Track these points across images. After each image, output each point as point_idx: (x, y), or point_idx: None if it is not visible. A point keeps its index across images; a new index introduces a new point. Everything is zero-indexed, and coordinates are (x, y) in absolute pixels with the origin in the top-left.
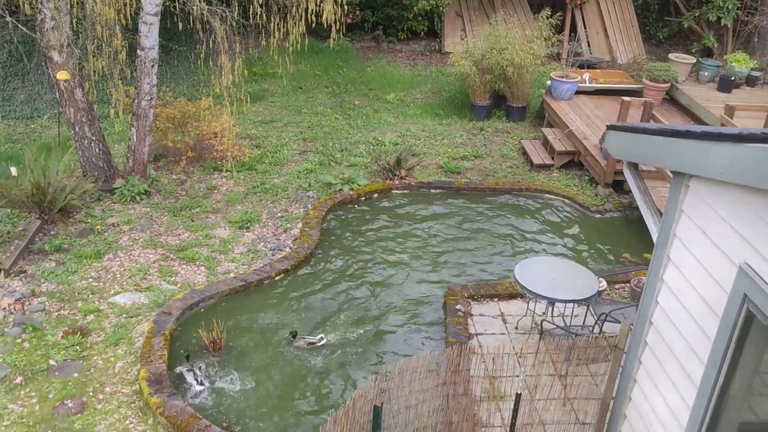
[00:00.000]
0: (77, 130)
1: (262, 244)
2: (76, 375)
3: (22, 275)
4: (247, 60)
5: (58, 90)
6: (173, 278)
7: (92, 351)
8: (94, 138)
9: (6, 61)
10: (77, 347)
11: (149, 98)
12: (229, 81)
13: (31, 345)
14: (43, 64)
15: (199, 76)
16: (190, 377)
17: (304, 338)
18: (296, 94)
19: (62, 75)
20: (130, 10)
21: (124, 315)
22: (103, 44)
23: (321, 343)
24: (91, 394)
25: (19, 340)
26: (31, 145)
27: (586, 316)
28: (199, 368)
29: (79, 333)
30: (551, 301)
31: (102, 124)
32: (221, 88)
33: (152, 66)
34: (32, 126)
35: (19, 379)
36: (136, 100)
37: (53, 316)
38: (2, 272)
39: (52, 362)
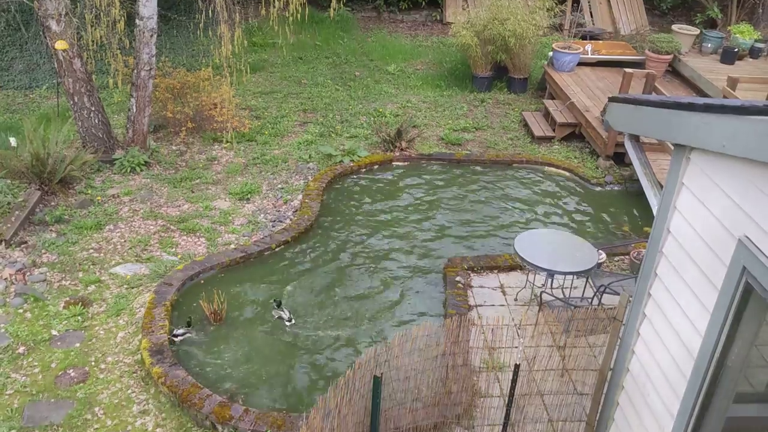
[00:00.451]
0: (76, 100)
1: (262, 215)
2: (77, 345)
3: (22, 246)
4: (247, 30)
5: (56, 60)
6: (174, 249)
7: (94, 321)
8: (93, 108)
9: (4, 30)
10: (79, 317)
11: (148, 68)
12: (228, 51)
13: (33, 315)
14: (41, 33)
15: (198, 46)
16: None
17: (281, 311)
18: (296, 65)
19: (60, 44)
20: None
21: (125, 286)
22: (102, 13)
23: (289, 323)
24: (93, 363)
25: (21, 311)
26: (30, 116)
27: (585, 287)
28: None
29: (80, 303)
30: (550, 273)
31: (101, 95)
32: (221, 59)
33: (151, 36)
34: (31, 96)
35: (21, 349)
36: (135, 71)
37: (54, 287)
38: (3, 243)
39: (54, 332)
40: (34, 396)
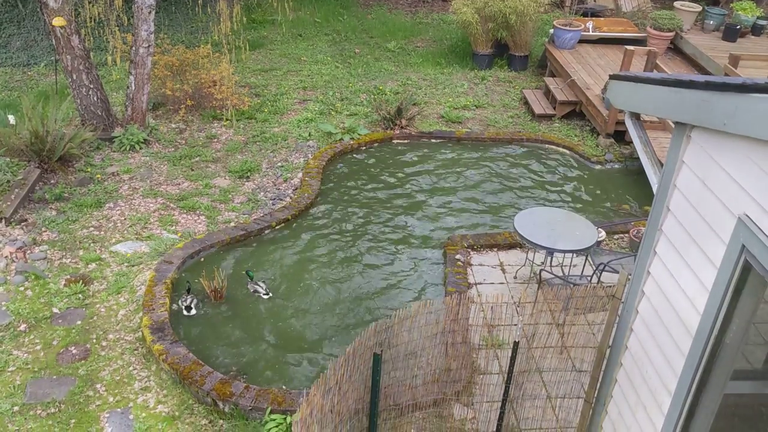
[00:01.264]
0: (75, 77)
1: (262, 193)
2: (79, 322)
3: (23, 224)
4: (246, 7)
5: (54, 37)
6: (174, 227)
7: (95, 299)
8: (92, 86)
9: (1, 7)
10: (80, 295)
11: (147, 45)
12: (227, 28)
13: (34, 293)
14: (38, 10)
15: (197, 23)
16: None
17: (256, 284)
18: (296, 42)
19: (58, 21)
20: None
21: (125, 264)
22: None
23: (267, 296)
24: (94, 341)
25: (22, 288)
26: (28, 93)
27: (584, 265)
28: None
29: (81, 281)
30: (550, 251)
31: (99, 72)
32: (220, 36)
33: (149, 12)
34: (29, 73)
35: (23, 327)
36: (133, 48)
37: (55, 265)
38: (3, 221)
39: (55, 310)
40: (36, 373)
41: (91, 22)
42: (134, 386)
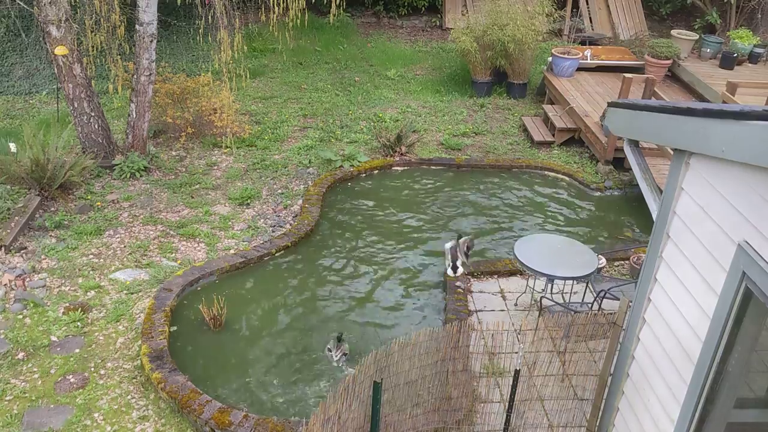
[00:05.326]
0: (76, 105)
1: (262, 220)
2: (77, 350)
3: (22, 251)
4: (247, 35)
5: (56, 65)
6: (173, 255)
7: (93, 327)
8: (93, 114)
9: (4, 35)
10: (78, 323)
11: (148, 74)
12: (228, 56)
13: (33, 321)
14: (41, 39)
15: (198, 51)
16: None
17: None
18: (296, 70)
19: (60, 50)
20: None
21: (124, 291)
22: (102, 19)
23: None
24: (92, 369)
25: (21, 316)
26: (29, 121)
27: (585, 292)
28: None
29: (80, 309)
30: (550, 278)
31: (101, 100)
32: (220, 64)
33: (151, 41)
34: (31, 102)
35: (20, 355)
36: (134, 76)
37: (54, 293)
38: (3, 248)
39: (53, 338)
40: (34, 402)
41: (93, 50)
42: (132, 415)
